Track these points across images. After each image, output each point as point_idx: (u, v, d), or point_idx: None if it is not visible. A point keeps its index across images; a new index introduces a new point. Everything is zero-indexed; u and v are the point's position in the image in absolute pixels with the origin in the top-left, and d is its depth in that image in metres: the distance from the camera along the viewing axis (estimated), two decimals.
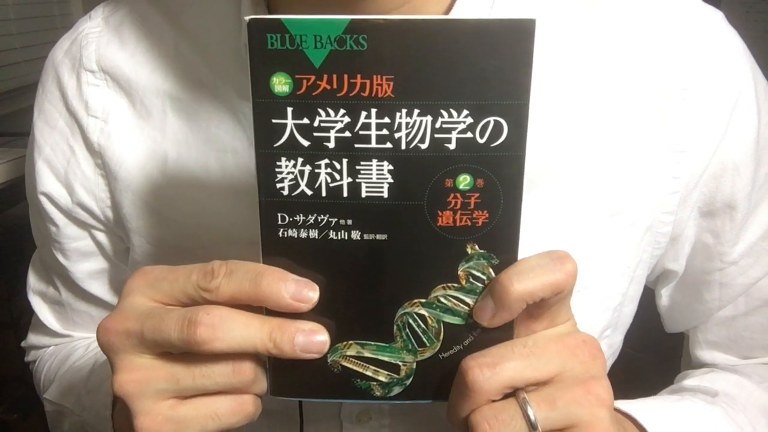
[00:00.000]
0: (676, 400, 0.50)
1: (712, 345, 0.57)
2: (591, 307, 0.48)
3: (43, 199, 0.54)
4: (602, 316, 0.49)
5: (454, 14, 0.43)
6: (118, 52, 0.50)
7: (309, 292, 0.33)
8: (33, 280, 0.62)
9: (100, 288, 0.59)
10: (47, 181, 0.53)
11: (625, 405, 0.45)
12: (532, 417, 0.32)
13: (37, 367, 0.64)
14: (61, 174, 0.52)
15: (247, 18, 0.30)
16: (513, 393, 0.33)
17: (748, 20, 1.71)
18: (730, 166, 0.48)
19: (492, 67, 0.30)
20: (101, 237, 0.55)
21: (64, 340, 0.63)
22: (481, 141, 0.31)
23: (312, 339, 0.34)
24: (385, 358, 0.35)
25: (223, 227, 0.47)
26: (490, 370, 0.33)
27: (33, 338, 0.65)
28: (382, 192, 0.32)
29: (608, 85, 0.46)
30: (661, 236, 0.49)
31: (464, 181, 0.32)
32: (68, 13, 2.16)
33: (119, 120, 0.50)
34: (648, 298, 0.56)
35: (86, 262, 0.57)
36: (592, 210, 0.46)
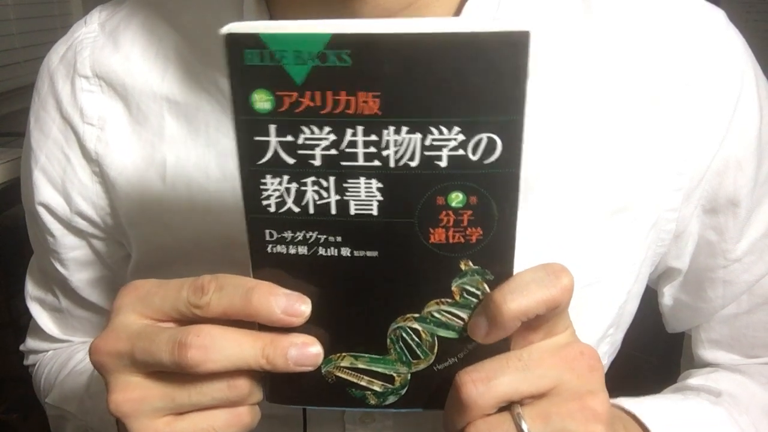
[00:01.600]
0: (679, 399, 0.50)
1: (714, 344, 0.57)
2: (597, 304, 0.48)
3: (41, 210, 0.53)
4: (608, 313, 0.49)
5: (463, 16, 0.43)
6: (113, 55, 0.49)
7: (301, 306, 0.33)
8: (31, 287, 0.62)
9: (99, 296, 0.58)
10: (44, 191, 0.52)
11: (627, 403, 0.45)
12: None
13: (37, 371, 0.64)
14: (58, 183, 0.52)
15: (222, 31, 0.29)
16: (508, 406, 0.33)
17: (748, 20, 1.71)
18: (733, 163, 0.48)
19: (484, 82, 0.29)
20: (100, 245, 0.55)
21: (64, 345, 0.63)
22: (474, 158, 0.30)
23: (305, 352, 0.33)
24: (379, 369, 0.35)
25: (226, 231, 0.47)
26: (484, 385, 0.32)
27: (32, 343, 0.65)
28: (372, 209, 0.32)
29: (610, 84, 0.46)
30: (665, 233, 0.49)
31: (456, 198, 0.31)
32: (68, 13, 2.16)
33: (116, 126, 0.49)
34: (648, 298, 0.56)
35: (85, 270, 0.56)
36: (598, 207, 0.46)
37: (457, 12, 0.44)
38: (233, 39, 0.29)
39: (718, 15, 0.48)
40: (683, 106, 0.46)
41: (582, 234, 0.46)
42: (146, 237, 0.50)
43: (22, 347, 0.66)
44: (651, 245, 0.49)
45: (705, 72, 0.46)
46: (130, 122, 0.49)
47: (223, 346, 0.32)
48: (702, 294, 0.54)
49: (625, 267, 0.49)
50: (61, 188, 0.52)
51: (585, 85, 0.46)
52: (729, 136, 0.47)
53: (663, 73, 0.46)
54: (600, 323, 0.49)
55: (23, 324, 0.67)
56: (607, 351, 0.52)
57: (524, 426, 0.32)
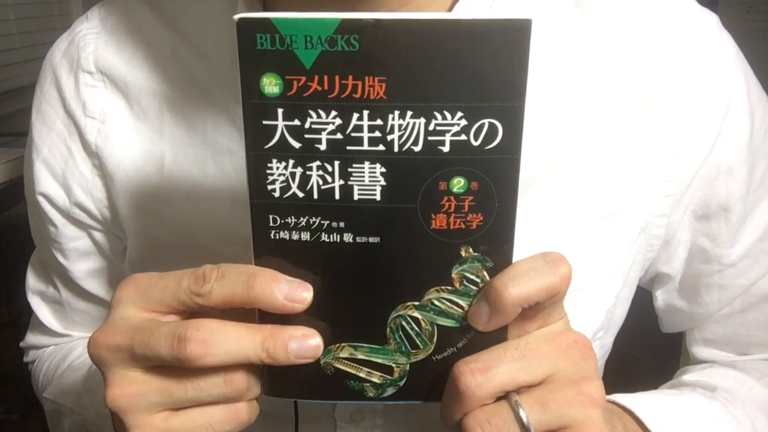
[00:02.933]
0: (674, 394, 0.50)
1: (709, 343, 0.57)
2: (585, 309, 0.48)
3: (42, 200, 0.54)
4: (596, 317, 0.49)
5: (455, 12, 0.43)
6: (116, 54, 0.50)
7: (302, 293, 0.33)
8: (32, 280, 0.62)
9: (99, 287, 0.59)
10: (45, 182, 0.53)
11: (623, 398, 0.45)
12: (524, 420, 0.32)
13: (36, 367, 0.64)
14: (59, 174, 0.53)
15: (235, 17, 0.29)
16: (505, 395, 0.33)
17: (748, 20, 1.71)
18: (724, 169, 0.48)
19: (487, 69, 0.30)
20: (99, 237, 0.55)
21: (64, 339, 0.63)
22: (476, 143, 0.31)
23: (305, 344, 0.33)
24: (378, 360, 0.35)
25: (221, 227, 0.47)
26: (482, 375, 0.32)
27: (32, 338, 0.65)
28: (375, 195, 0.32)
29: (601, 88, 0.46)
30: (654, 239, 0.49)
31: (458, 184, 0.32)
32: (68, 12, 2.16)
33: (117, 121, 0.50)
34: (644, 297, 0.56)
35: (85, 261, 0.57)
36: (586, 212, 0.47)
37: (449, 10, 0.44)
38: (245, 24, 0.29)
39: (711, 20, 0.48)
40: (673, 112, 0.46)
41: (573, 238, 0.47)
42: (142, 230, 0.51)
43: (22, 344, 0.66)
44: (640, 250, 0.49)
45: (695, 79, 0.46)
46: (131, 117, 0.50)
47: (222, 340, 0.32)
48: (698, 299, 0.54)
49: (613, 271, 0.49)
50: (62, 180, 0.53)
51: (576, 87, 0.46)
52: (719, 143, 0.47)
53: (654, 79, 0.46)
54: (589, 327, 0.49)
55: (23, 324, 0.67)
56: (596, 354, 0.52)
57: (522, 414, 0.32)
